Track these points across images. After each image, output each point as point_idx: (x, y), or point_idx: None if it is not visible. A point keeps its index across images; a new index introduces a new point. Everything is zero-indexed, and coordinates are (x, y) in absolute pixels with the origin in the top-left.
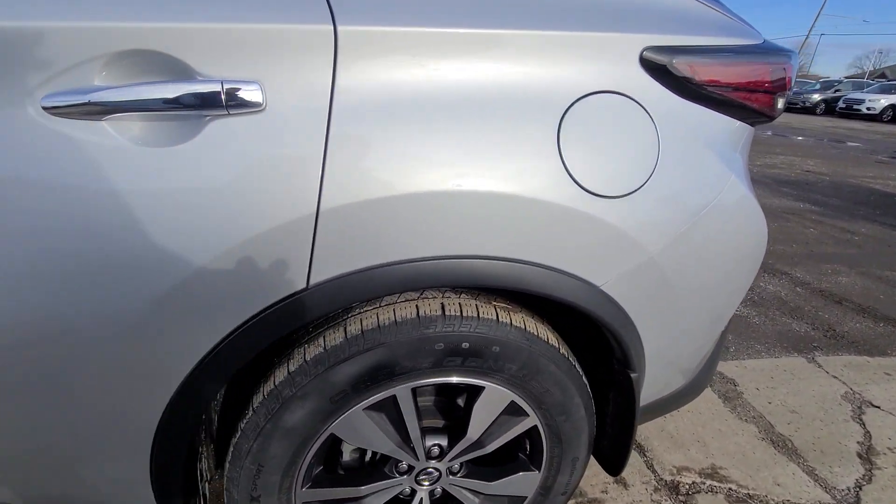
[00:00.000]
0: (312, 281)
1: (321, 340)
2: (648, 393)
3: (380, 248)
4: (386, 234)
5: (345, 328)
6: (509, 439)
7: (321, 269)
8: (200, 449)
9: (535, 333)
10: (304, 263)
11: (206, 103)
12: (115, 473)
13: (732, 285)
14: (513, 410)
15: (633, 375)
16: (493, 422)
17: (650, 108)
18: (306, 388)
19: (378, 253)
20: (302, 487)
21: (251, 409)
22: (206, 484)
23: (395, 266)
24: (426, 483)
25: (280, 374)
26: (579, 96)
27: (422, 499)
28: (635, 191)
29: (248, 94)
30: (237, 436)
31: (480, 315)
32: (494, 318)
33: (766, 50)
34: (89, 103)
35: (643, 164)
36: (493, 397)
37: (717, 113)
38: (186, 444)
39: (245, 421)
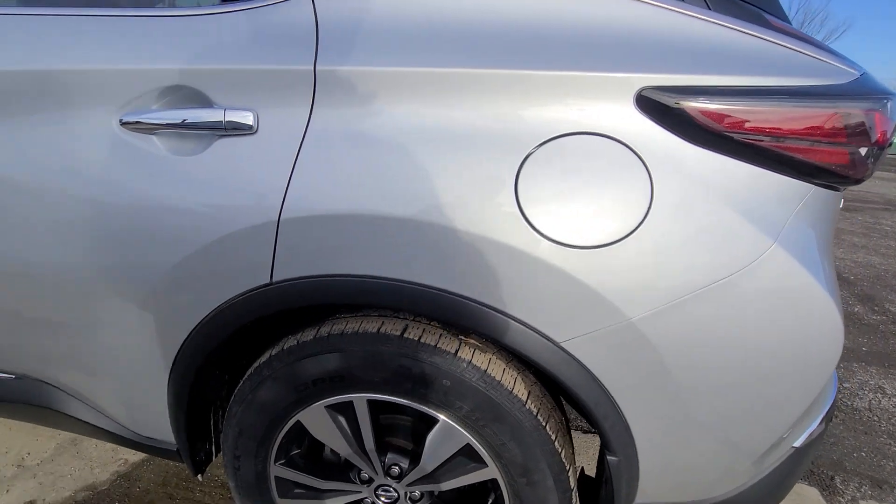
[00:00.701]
0: (275, 278)
1: (299, 335)
2: (652, 491)
3: (327, 261)
4: (332, 249)
5: (318, 328)
6: (467, 484)
7: (281, 270)
8: (217, 404)
9: (497, 378)
10: (268, 263)
11: (215, 125)
12: (145, 394)
13: (773, 393)
14: (470, 454)
15: (609, 458)
16: (449, 459)
17: (643, 154)
18: (278, 372)
19: (325, 265)
20: (275, 462)
21: (243, 380)
22: (219, 434)
23: (338, 279)
24: (383, 500)
25: (265, 356)
26: (552, 136)
27: None
28: (611, 243)
29: (244, 119)
30: (231, 399)
31: (438, 345)
32: (453, 352)
33: (842, 92)
34: (139, 122)
35: (626, 215)
36: (447, 433)
37: (751, 166)
38: (193, 383)
39: (237, 388)
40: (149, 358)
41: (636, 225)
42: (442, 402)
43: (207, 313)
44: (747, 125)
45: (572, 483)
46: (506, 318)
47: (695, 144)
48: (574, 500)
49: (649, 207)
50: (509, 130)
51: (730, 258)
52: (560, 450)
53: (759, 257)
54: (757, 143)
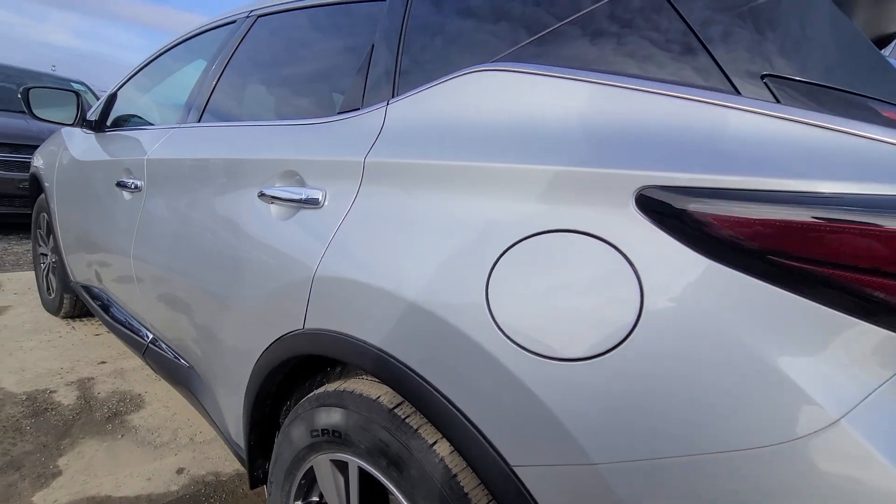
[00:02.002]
0: (307, 326)
1: (326, 384)
2: None
3: (339, 319)
4: (341, 309)
5: (342, 382)
6: None
7: (312, 320)
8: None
9: (463, 486)
10: (302, 312)
11: (302, 200)
12: (235, 403)
13: None
14: None
15: None
16: None
17: (636, 261)
18: (304, 414)
19: (338, 322)
20: (294, 500)
21: (288, 414)
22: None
23: (345, 338)
24: None
25: (305, 396)
26: (535, 232)
27: None
28: (578, 359)
29: (316, 195)
30: (280, 428)
31: (418, 431)
32: (430, 443)
33: None
34: (263, 194)
35: (604, 328)
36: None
37: (788, 293)
38: (258, 402)
39: (284, 418)
40: (238, 372)
41: (618, 342)
42: (405, 490)
43: (270, 343)
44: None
45: None
46: (463, 419)
47: (706, 256)
48: None
49: (636, 321)
50: (495, 222)
51: (755, 426)
52: None
53: (808, 434)
54: (795, 265)
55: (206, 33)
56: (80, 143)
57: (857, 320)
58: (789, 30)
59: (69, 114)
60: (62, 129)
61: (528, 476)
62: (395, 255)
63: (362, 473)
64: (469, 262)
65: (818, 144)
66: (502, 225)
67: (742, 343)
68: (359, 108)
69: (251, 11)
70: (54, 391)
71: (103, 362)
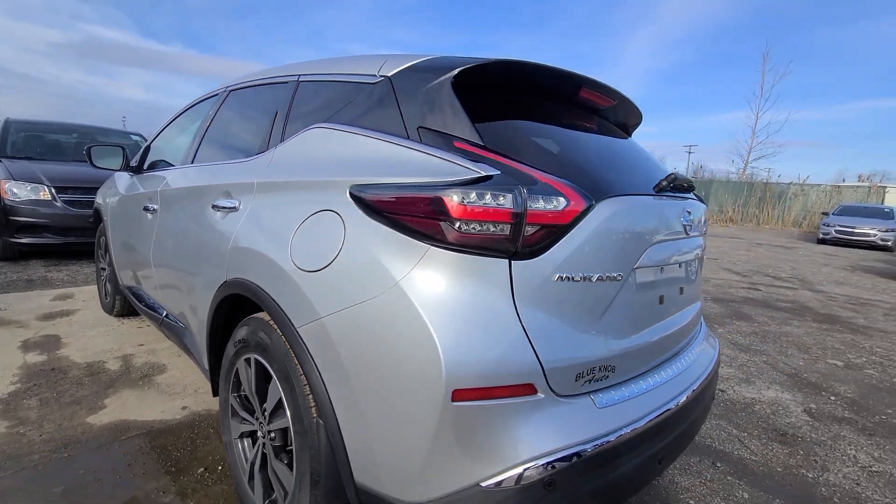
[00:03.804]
0: (226, 278)
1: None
2: (362, 466)
3: (238, 271)
4: (238, 265)
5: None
6: (280, 428)
7: (228, 273)
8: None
9: (290, 354)
10: (224, 269)
11: (229, 207)
12: (199, 332)
13: (401, 405)
14: (279, 404)
15: (319, 420)
16: (275, 408)
17: (346, 221)
18: (236, 331)
19: (237, 272)
20: (231, 393)
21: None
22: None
23: (239, 280)
24: (260, 435)
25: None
26: (316, 210)
27: (264, 444)
28: (320, 269)
29: (235, 204)
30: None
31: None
32: (279, 333)
33: (438, 184)
34: (214, 205)
35: (329, 254)
36: (275, 386)
37: (395, 231)
38: (214, 325)
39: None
40: (202, 318)
41: (332, 259)
42: (269, 362)
43: (213, 292)
44: (390, 205)
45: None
46: (273, 303)
47: (372, 218)
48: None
49: (339, 250)
50: (303, 206)
51: (373, 285)
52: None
53: (388, 287)
54: (396, 216)
55: (205, 101)
56: (125, 183)
57: (415, 241)
58: (430, 105)
59: (120, 162)
60: (115, 174)
61: (302, 331)
62: (261, 230)
63: (257, 363)
64: (288, 229)
65: (414, 158)
66: (305, 208)
67: (377, 253)
68: (265, 151)
69: (227, 87)
70: (105, 362)
71: (142, 345)
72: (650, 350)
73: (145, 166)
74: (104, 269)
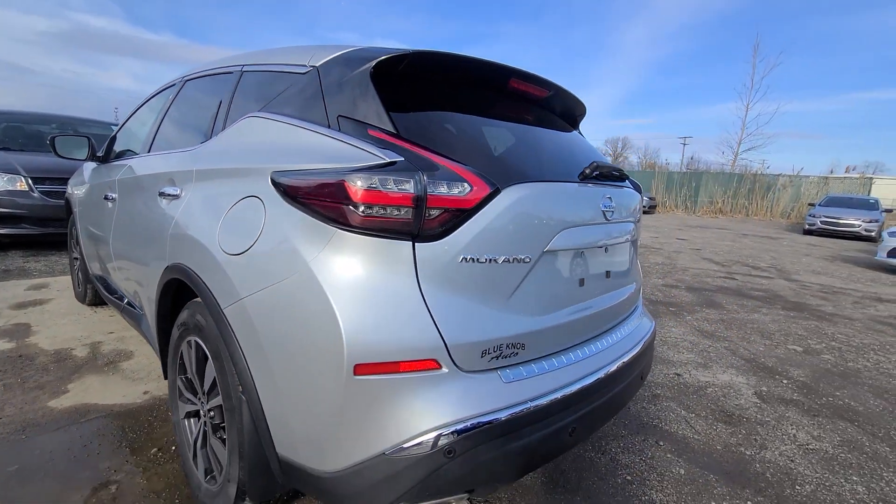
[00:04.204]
0: (168, 262)
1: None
2: (282, 439)
3: (175, 255)
4: (175, 249)
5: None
6: (216, 406)
7: (169, 259)
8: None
9: (222, 335)
10: (166, 254)
11: (173, 195)
12: (151, 317)
13: (307, 377)
14: (214, 384)
15: (242, 396)
16: (212, 387)
17: (266, 205)
18: (179, 315)
19: (175, 256)
20: (178, 374)
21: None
22: None
23: (176, 264)
24: (202, 414)
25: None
26: (243, 196)
27: (205, 422)
28: (241, 253)
29: (176, 192)
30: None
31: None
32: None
33: (346, 170)
34: (160, 193)
35: (250, 238)
36: (210, 367)
37: (305, 214)
38: (161, 310)
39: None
40: (151, 302)
41: (252, 243)
42: (204, 342)
43: (158, 276)
44: (302, 190)
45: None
46: (204, 286)
47: (287, 201)
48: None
49: (259, 234)
50: (232, 193)
51: (286, 267)
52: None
53: (298, 269)
54: (307, 201)
55: (166, 90)
56: (91, 173)
57: (323, 224)
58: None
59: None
60: (84, 164)
61: (227, 312)
62: (196, 216)
63: (196, 344)
64: (218, 215)
65: (330, 146)
66: (234, 194)
67: (290, 236)
68: (208, 140)
69: (184, 76)
70: (73, 349)
71: (111, 332)
72: (567, 329)
73: (112, 156)
74: (77, 258)
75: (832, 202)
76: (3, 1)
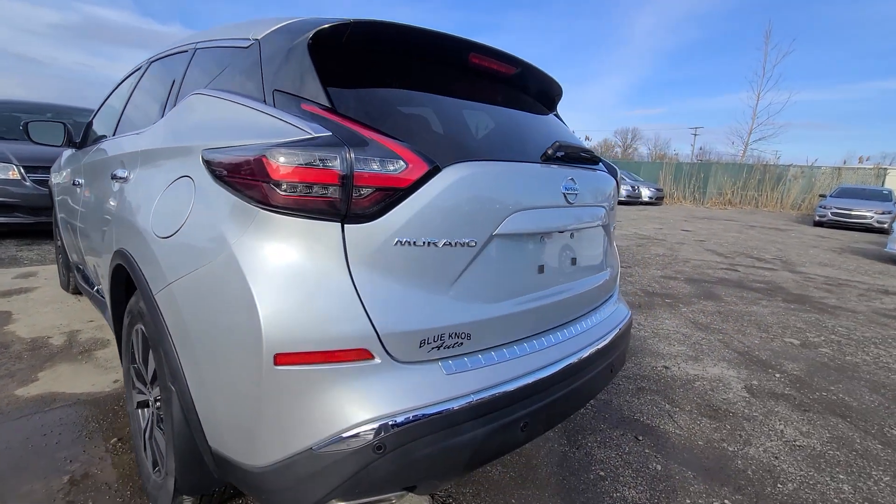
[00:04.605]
0: (115, 247)
1: None
2: (212, 432)
3: (119, 240)
4: (119, 233)
5: None
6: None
7: (115, 244)
8: None
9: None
10: (113, 238)
11: (122, 178)
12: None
13: (227, 368)
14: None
15: (172, 387)
16: (154, 376)
17: (197, 184)
18: (130, 302)
19: (118, 242)
20: (130, 364)
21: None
22: None
23: (119, 250)
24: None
25: None
26: (178, 176)
27: (152, 412)
28: (170, 236)
29: (126, 175)
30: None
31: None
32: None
33: (266, 146)
34: (113, 176)
35: (179, 221)
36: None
37: (228, 193)
38: (115, 297)
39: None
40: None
41: (181, 225)
42: (150, 333)
43: (109, 262)
44: (227, 168)
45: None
46: (139, 271)
47: (213, 179)
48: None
49: (188, 216)
50: (170, 173)
51: (211, 250)
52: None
53: (221, 255)
54: (232, 179)
55: (134, 73)
56: (66, 159)
57: (248, 204)
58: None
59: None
60: (63, 152)
61: (157, 298)
62: (137, 199)
63: (143, 332)
64: (154, 196)
65: (261, 121)
66: (170, 175)
67: (216, 217)
68: (158, 121)
69: (150, 58)
70: (50, 337)
71: (91, 321)
72: (522, 318)
73: (87, 142)
74: (60, 246)
75: (844, 193)
76: None
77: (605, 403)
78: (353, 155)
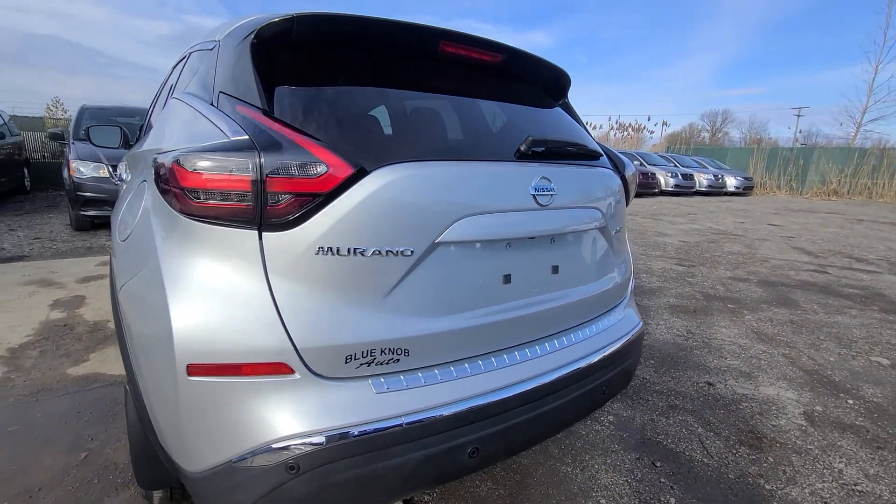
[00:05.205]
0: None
1: None
2: (159, 431)
3: (115, 229)
4: (115, 223)
5: None
6: None
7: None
8: None
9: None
10: (117, 228)
11: (122, 180)
12: None
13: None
14: None
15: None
16: None
17: (147, 191)
18: None
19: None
20: None
21: None
22: None
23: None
24: None
25: None
26: (141, 181)
27: None
28: (125, 240)
29: (124, 176)
30: None
31: None
32: None
33: (182, 151)
34: (119, 178)
35: (132, 224)
36: None
37: (161, 198)
38: None
39: None
40: None
41: (132, 229)
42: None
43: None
44: (158, 174)
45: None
46: (111, 272)
47: (156, 186)
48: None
49: (137, 220)
50: (141, 175)
51: (145, 256)
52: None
53: (151, 261)
54: (161, 185)
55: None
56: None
57: (173, 211)
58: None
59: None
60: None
61: (118, 297)
62: (121, 200)
63: None
64: (124, 200)
65: (200, 125)
66: (137, 179)
67: (153, 223)
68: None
69: (173, 64)
70: (109, 321)
71: None
72: (479, 333)
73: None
74: None
75: None
76: (133, 10)
77: (627, 421)
78: (263, 160)
